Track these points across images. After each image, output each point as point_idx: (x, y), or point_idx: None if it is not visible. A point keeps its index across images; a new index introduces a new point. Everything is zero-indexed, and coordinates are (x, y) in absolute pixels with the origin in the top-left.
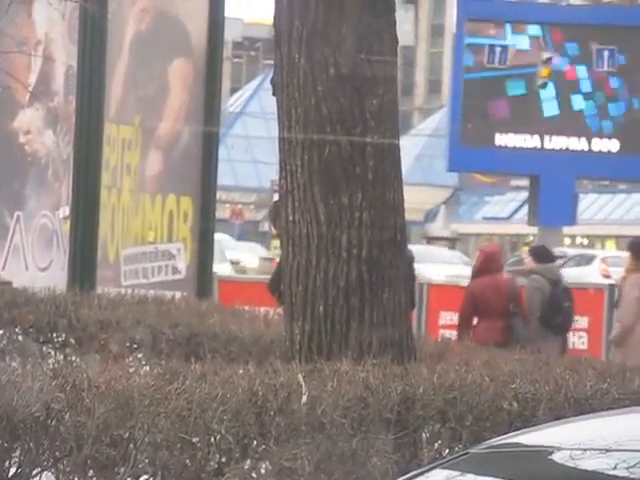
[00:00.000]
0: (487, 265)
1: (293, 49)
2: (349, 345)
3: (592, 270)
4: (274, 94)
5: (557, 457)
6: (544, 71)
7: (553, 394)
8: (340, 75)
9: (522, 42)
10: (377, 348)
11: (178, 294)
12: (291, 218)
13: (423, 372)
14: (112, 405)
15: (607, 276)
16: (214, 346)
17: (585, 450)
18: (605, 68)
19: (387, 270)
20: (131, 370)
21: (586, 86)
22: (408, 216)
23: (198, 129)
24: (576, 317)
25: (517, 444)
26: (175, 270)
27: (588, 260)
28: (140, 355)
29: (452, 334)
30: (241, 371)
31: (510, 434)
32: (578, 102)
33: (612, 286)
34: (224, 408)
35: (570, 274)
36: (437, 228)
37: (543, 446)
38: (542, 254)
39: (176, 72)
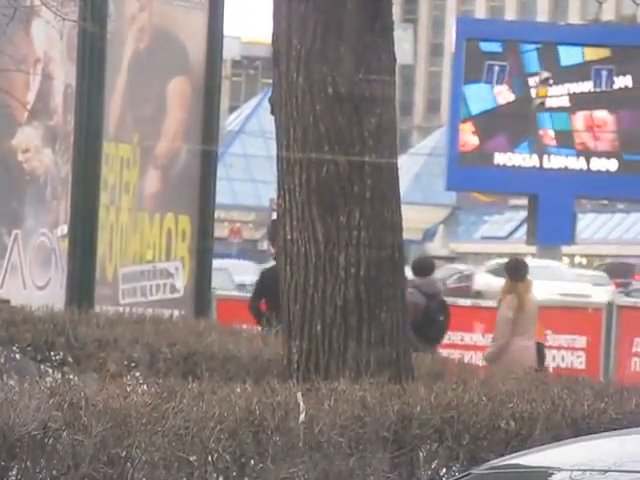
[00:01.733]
0: None
1: (292, 68)
2: (346, 364)
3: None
4: (272, 113)
5: (558, 478)
6: (542, 91)
7: (550, 413)
8: (338, 94)
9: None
10: (374, 367)
11: (176, 313)
12: (289, 237)
13: (420, 391)
14: (109, 424)
15: None
16: (212, 365)
17: (585, 471)
18: (603, 88)
19: (385, 289)
20: (128, 389)
21: (585, 107)
22: (406, 235)
23: (196, 148)
24: (574, 336)
25: (519, 465)
26: (173, 289)
27: None
28: (138, 374)
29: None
30: (238, 390)
31: (512, 455)
32: (578, 121)
33: (610, 305)
34: (221, 427)
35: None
36: (435, 247)
37: (545, 467)
38: (421, 267)
39: (174, 91)
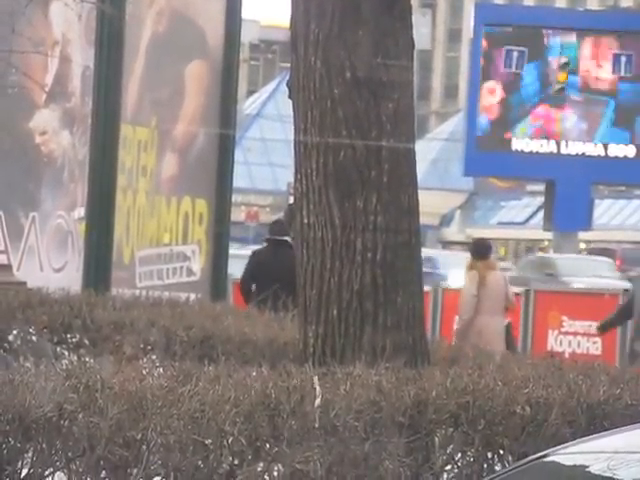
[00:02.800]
0: None
1: (309, 52)
2: (362, 349)
3: None
4: (290, 97)
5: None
6: (561, 76)
7: (566, 399)
8: (356, 79)
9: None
10: (390, 352)
11: (192, 296)
12: (306, 221)
13: (436, 376)
14: (125, 406)
15: None
16: (228, 348)
17: None
18: (622, 73)
19: (401, 274)
20: (144, 372)
21: (603, 92)
22: (423, 220)
23: (214, 131)
24: (590, 322)
25: (594, 448)
26: (190, 272)
27: None
28: (154, 357)
29: None
30: (254, 373)
31: (583, 439)
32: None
33: (627, 291)
34: (237, 410)
35: None
36: (452, 232)
37: (621, 450)
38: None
39: (192, 74)
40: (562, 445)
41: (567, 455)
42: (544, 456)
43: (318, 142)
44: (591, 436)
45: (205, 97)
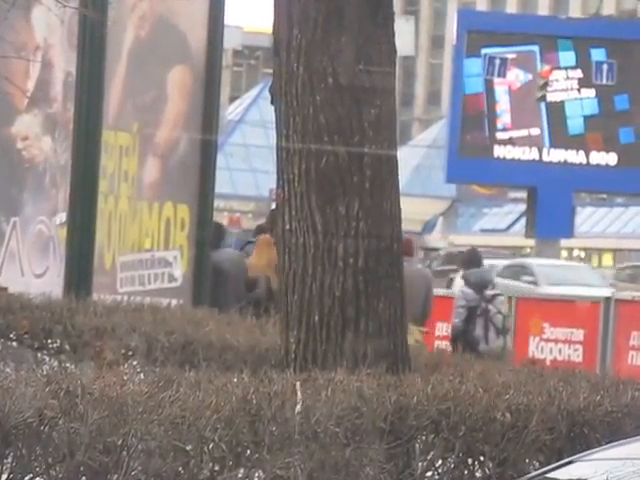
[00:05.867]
0: None
1: (292, 58)
2: (344, 355)
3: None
4: (272, 103)
5: None
6: (543, 83)
7: (546, 405)
8: (338, 85)
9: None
10: (372, 358)
11: (174, 302)
12: (288, 227)
13: (417, 382)
14: (105, 412)
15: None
16: (209, 354)
17: None
18: (604, 82)
19: (383, 280)
20: (125, 377)
21: (588, 101)
22: (406, 227)
23: (196, 137)
24: (571, 329)
25: (620, 455)
26: (171, 278)
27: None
28: (135, 362)
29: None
30: (235, 379)
31: (606, 446)
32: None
33: (608, 299)
34: (218, 416)
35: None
36: (435, 239)
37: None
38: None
39: (175, 79)
40: (587, 452)
41: (591, 462)
42: (569, 462)
43: (300, 148)
44: (613, 443)
45: (187, 102)
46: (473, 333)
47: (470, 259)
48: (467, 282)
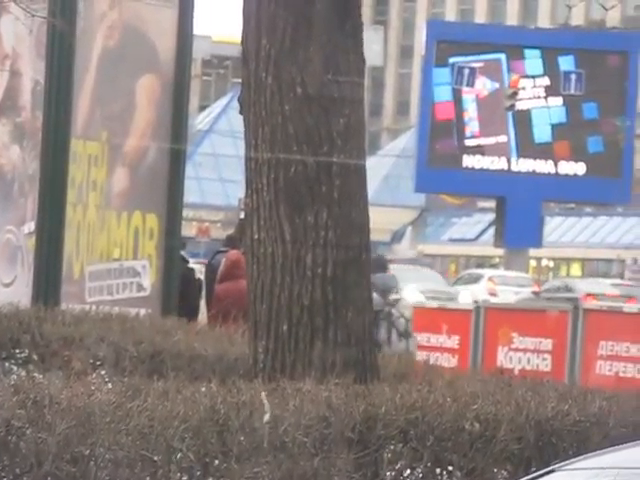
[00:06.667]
0: (232, 271)
1: (261, 68)
2: (312, 364)
3: (480, 288)
4: (241, 112)
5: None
6: (512, 93)
7: (514, 415)
8: (307, 95)
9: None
10: (340, 367)
11: (143, 311)
12: (256, 236)
13: (385, 392)
14: (73, 422)
15: (494, 294)
16: (178, 364)
17: None
18: (572, 91)
19: (352, 289)
20: (93, 387)
21: (555, 109)
22: (375, 236)
23: (165, 146)
24: (540, 339)
25: (602, 464)
26: (140, 287)
27: (476, 278)
28: (103, 372)
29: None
30: (203, 389)
31: (587, 455)
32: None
33: (576, 309)
34: (186, 426)
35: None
36: (404, 249)
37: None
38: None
39: (143, 89)
40: (568, 461)
41: (573, 471)
42: (550, 472)
43: (269, 158)
44: (596, 452)
45: (156, 112)
46: (376, 336)
47: (376, 265)
48: (373, 287)
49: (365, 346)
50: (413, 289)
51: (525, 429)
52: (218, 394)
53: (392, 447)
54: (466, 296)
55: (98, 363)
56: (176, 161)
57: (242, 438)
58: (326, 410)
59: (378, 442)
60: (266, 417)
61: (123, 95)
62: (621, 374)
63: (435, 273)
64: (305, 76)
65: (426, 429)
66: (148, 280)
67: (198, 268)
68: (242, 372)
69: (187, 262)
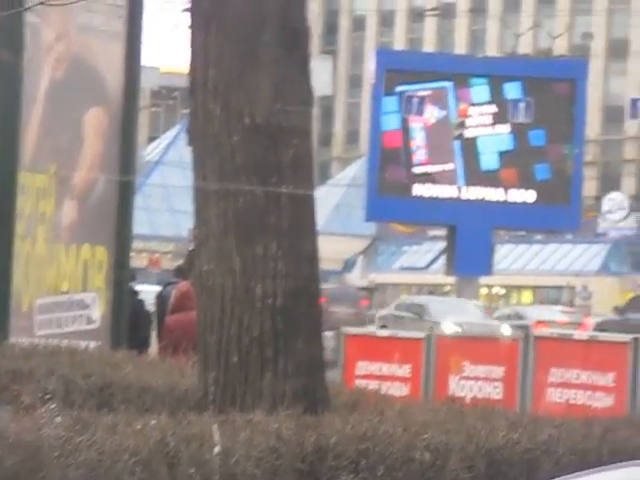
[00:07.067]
0: (183, 302)
1: (209, 98)
2: (263, 395)
3: None
4: (189, 144)
5: None
6: (460, 124)
7: (465, 444)
8: (255, 125)
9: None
10: (291, 398)
11: (92, 344)
12: (205, 268)
13: (336, 422)
14: (21, 456)
15: None
16: (128, 396)
17: None
18: (520, 119)
19: (301, 320)
20: (42, 421)
21: (502, 137)
22: (326, 266)
23: (114, 178)
24: (491, 367)
25: None
26: (89, 320)
27: None
28: (52, 406)
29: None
30: (153, 422)
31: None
32: (493, 153)
33: (527, 337)
34: (135, 459)
35: (499, 325)
36: (355, 277)
37: None
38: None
39: (92, 121)
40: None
41: None
42: None
43: (217, 189)
44: (573, 474)
45: (105, 144)
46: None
47: None
48: None
49: (315, 377)
50: (450, 322)
51: (476, 458)
52: (168, 427)
53: (343, 478)
54: (507, 329)
55: (47, 397)
56: (125, 193)
57: (192, 471)
58: (276, 441)
59: (329, 473)
60: (216, 449)
61: (71, 127)
62: (572, 401)
63: (474, 306)
64: (253, 106)
65: (377, 459)
66: (97, 312)
67: (149, 299)
68: (193, 404)
69: (137, 294)
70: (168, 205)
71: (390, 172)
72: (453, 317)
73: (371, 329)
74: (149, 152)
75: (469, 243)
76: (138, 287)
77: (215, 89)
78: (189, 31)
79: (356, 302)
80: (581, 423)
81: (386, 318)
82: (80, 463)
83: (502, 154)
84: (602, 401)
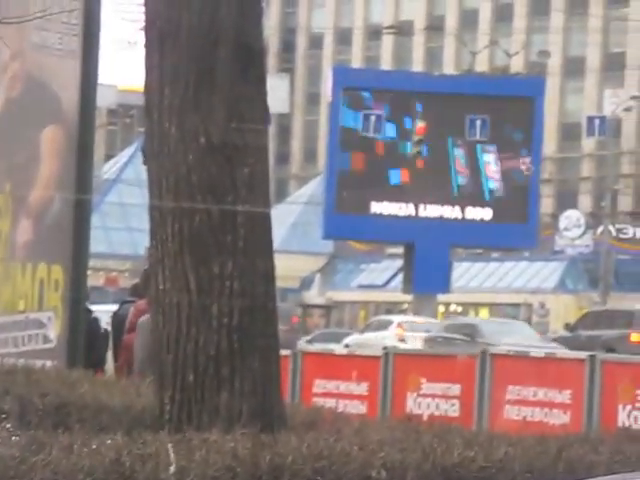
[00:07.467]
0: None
1: (164, 118)
2: (219, 414)
3: (388, 334)
4: (145, 163)
5: None
6: (417, 143)
7: (421, 462)
8: (211, 144)
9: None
10: (247, 417)
11: (48, 363)
12: (162, 287)
13: (292, 441)
14: None
15: (402, 340)
16: (84, 416)
17: None
18: (477, 137)
19: (258, 339)
20: None
21: (460, 156)
22: (284, 284)
23: (70, 197)
24: (448, 384)
25: None
26: (46, 339)
27: (385, 325)
28: (8, 426)
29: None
30: (109, 441)
31: None
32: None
33: (484, 354)
34: (91, 479)
35: (368, 338)
36: (312, 296)
37: None
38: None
39: (48, 139)
40: None
41: None
42: None
43: (173, 208)
44: None
45: (61, 162)
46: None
47: None
48: None
49: (272, 396)
50: (506, 344)
51: (431, 476)
52: (123, 446)
53: None
54: (565, 352)
55: (3, 416)
56: (81, 211)
57: None
58: (232, 460)
59: None
60: (172, 468)
61: (27, 146)
62: (529, 418)
63: (529, 327)
64: (208, 125)
65: (333, 478)
66: (54, 332)
67: (105, 319)
68: (149, 423)
69: (90, 312)
70: (125, 223)
71: (348, 191)
72: (509, 339)
73: (329, 347)
74: (106, 170)
75: (427, 261)
76: (94, 306)
77: (170, 108)
78: (144, 50)
79: (289, 319)
80: (536, 440)
81: (433, 340)
82: None
83: (458, 172)
84: (559, 418)
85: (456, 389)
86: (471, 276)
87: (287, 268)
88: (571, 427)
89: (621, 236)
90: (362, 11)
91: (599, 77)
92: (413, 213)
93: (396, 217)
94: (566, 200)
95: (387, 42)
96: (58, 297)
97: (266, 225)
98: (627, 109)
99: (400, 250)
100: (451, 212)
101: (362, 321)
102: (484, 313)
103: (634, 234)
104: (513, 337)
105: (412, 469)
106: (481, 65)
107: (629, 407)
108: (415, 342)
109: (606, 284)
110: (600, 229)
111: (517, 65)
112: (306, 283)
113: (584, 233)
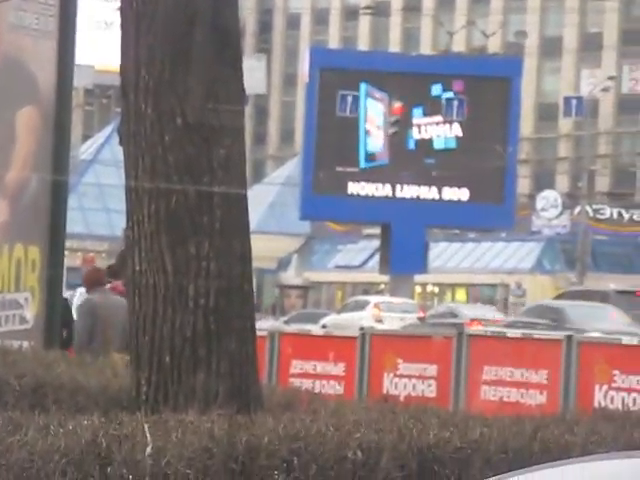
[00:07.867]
0: None
1: (140, 98)
2: (196, 395)
3: (365, 315)
4: (121, 143)
5: None
6: (394, 124)
7: (397, 443)
8: (187, 125)
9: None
10: (224, 398)
11: (25, 344)
12: (138, 268)
13: (269, 422)
14: None
15: (379, 320)
16: (60, 396)
17: None
18: (454, 117)
19: (234, 320)
20: None
21: (435, 135)
22: (261, 264)
23: (46, 177)
24: (425, 365)
25: None
26: (22, 320)
27: (362, 305)
28: None
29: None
30: (85, 422)
31: (506, 474)
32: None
33: (460, 335)
34: (67, 460)
35: (345, 318)
36: (290, 276)
37: None
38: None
39: (24, 119)
40: (497, 476)
41: None
42: None
43: (150, 188)
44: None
45: (37, 143)
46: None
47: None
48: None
49: (249, 377)
50: (597, 331)
51: (407, 457)
52: (100, 427)
53: (275, 477)
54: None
55: None
56: (58, 192)
57: (124, 471)
58: (209, 441)
59: (261, 472)
60: (148, 449)
61: (3, 127)
62: (505, 399)
63: (619, 311)
64: (185, 106)
65: (309, 458)
66: (30, 312)
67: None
68: (125, 404)
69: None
70: (103, 204)
71: (325, 171)
72: (598, 324)
73: (307, 327)
74: (83, 151)
75: (403, 241)
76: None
77: (146, 89)
78: (120, 30)
79: None
80: (512, 421)
81: (513, 325)
82: (11, 464)
83: (435, 152)
84: (535, 398)
85: (433, 370)
86: (448, 257)
87: (264, 249)
88: (547, 407)
89: (598, 217)
90: None
91: (576, 57)
92: (390, 194)
93: (373, 198)
94: (543, 180)
95: (364, 23)
96: (35, 278)
97: (242, 206)
98: (604, 89)
99: (377, 231)
100: (427, 192)
101: (339, 302)
102: (461, 293)
103: (611, 214)
104: (603, 323)
105: (388, 450)
106: (458, 45)
107: (605, 387)
108: (392, 323)
109: (583, 264)
110: (577, 209)
111: (494, 45)
112: (283, 264)
113: (561, 213)
